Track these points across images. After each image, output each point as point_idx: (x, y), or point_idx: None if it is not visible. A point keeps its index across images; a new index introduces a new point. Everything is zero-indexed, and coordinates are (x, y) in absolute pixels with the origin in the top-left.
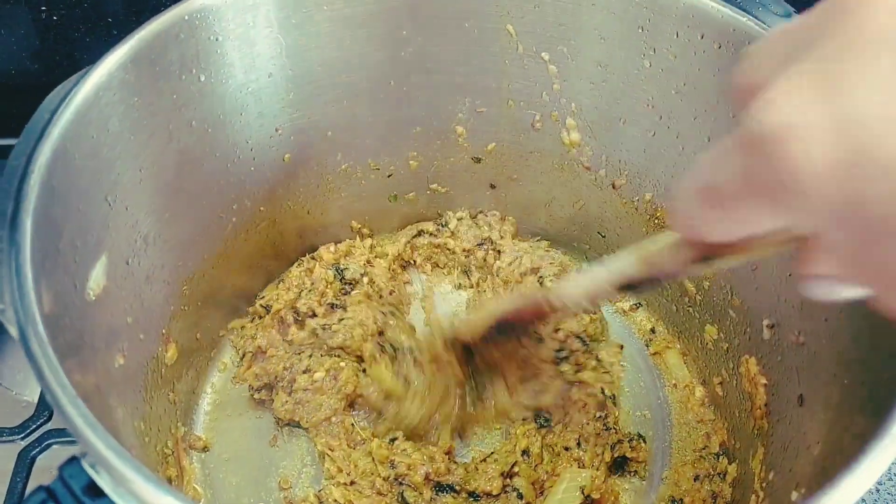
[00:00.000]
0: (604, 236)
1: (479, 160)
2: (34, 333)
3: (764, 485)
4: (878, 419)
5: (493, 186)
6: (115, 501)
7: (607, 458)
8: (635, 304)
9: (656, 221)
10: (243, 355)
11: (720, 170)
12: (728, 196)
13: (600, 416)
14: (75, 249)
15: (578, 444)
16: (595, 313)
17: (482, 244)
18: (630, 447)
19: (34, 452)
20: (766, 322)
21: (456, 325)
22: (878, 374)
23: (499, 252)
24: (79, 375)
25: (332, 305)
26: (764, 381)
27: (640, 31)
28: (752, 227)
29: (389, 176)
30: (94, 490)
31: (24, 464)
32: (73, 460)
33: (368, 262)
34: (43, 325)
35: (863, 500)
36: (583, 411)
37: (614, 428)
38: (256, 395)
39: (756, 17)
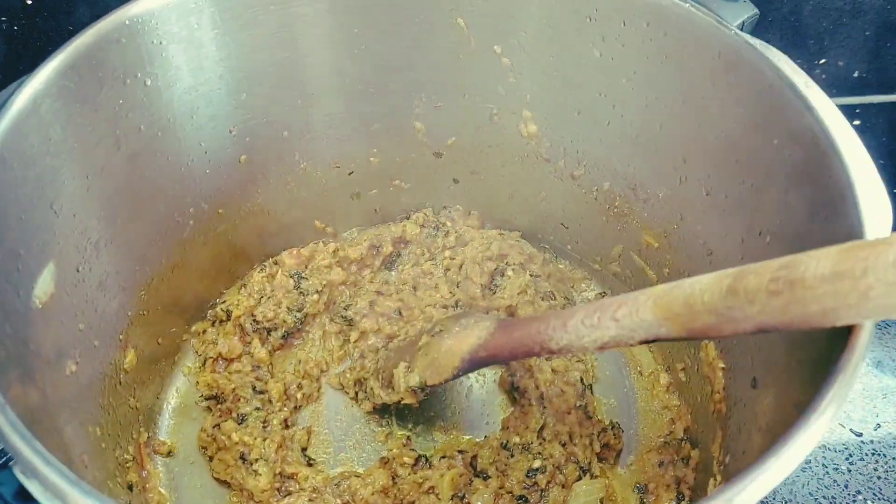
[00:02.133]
0: (567, 227)
1: (440, 155)
2: None
3: (721, 468)
4: (814, 391)
5: (455, 181)
6: None
7: (596, 448)
8: (601, 293)
9: (615, 210)
10: (204, 361)
11: None
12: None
13: (580, 406)
14: (17, 258)
15: (570, 439)
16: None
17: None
18: (613, 435)
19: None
20: None
21: (421, 376)
22: (820, 354)
23: (465, 242)
24: (20, 386)
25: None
26: (721, 364)
27: (588, 20)
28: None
29: (350, 174)
30: (24, 496)
31: None
32: (5, 467)
33: (330, 266)
34: None
35: (834, 480)
36: (561, 399)
37: (596, 417)
38: (202, 403)
39: (701, 3)
